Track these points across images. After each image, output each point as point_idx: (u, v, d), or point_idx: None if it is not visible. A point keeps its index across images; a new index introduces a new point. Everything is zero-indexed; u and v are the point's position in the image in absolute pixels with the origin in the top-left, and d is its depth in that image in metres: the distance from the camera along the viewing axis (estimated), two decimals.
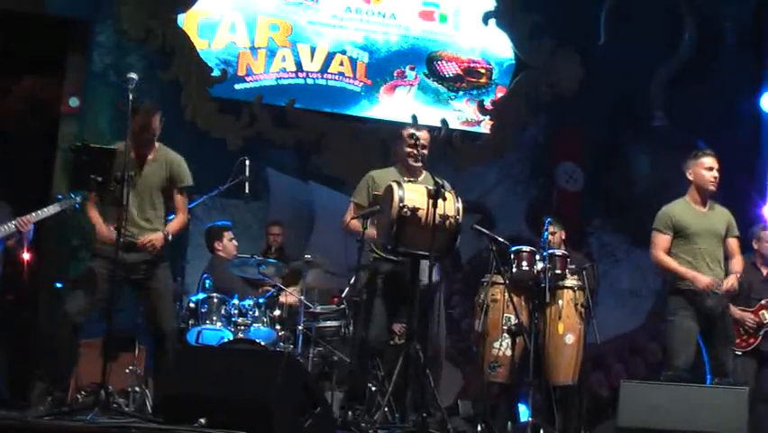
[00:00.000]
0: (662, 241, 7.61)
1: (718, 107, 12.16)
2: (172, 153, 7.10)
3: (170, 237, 6.93)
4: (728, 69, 12.48)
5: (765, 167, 9.95)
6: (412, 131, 7.22)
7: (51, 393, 6.82)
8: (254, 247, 10.40)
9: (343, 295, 8.85)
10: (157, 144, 7.04)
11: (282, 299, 9.01)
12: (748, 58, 12.63)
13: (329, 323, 8.93)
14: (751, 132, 12.36)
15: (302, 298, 8.67)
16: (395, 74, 11.91)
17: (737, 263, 7.67)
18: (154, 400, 7.52)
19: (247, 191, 8.24)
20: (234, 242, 9.47)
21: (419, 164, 7.12)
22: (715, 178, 7.58)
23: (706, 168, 7.58)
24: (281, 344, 8.58)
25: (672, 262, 7.54)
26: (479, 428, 7.76)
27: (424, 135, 7.22)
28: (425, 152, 7.16)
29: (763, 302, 8.46)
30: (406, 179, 6.86)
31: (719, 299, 7.46)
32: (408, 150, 7.16)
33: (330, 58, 11.73)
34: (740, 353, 8.33)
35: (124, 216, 6.49)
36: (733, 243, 7.71)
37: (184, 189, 7.11)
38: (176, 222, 7.05)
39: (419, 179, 7.05)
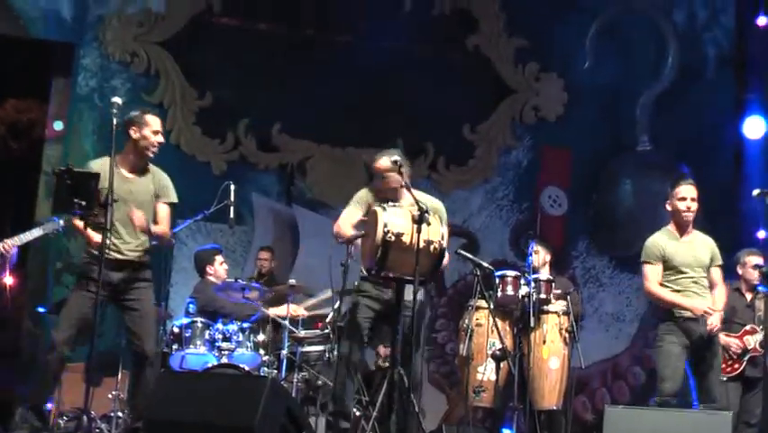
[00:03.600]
0: (653, 273, 7.56)
1: (701, 132, 12.24)
2: (160, 171, 7.13)
3: (152, 231, 6.89)
4: (711, 94, 12.57)
5: (747, 191, 9.97)
6: (375, 164, 7.10)
7: (28, 420, 6.78)
8: (239, 271, 10.40)
9: (328, 319, 8.82)
10: None
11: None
12: (730, 83, 12.71)
13: (313, 348, 8.89)
14: (733, 156, 12.42)
15: (286, 322, 8.64)
16: None
17: (721, 295, 7.67)
18: (132, 422, 7.39)
19: (232, 216, 8.20)
20: (225, 265, 9.47)
21: (389, 195, 7.02)
22: (688, 208, 7.55)
23: (679, 198, 7.57)
24: (265, 368, 8.55)
25: (667, 294, 7.49)
26: None
27: (382, 164, 7.05)
28: (391, 181, 7.04)
29: (747, 328, 8.47)
30: (391, 204, 6.81)
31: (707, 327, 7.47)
32: (376, 182, 7.11)
33: None
34: (725, 378, 8.34)
35: (109, 239, 6.45)
36: (716, 272, 7.69)
37: (169, 205, 7.11)
38: (159, 227, 7.02)
39: (400, 202, 6.99)
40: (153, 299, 7.13)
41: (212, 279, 9.28)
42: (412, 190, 6.80)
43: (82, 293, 6.77)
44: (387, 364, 8.25)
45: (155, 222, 7.02)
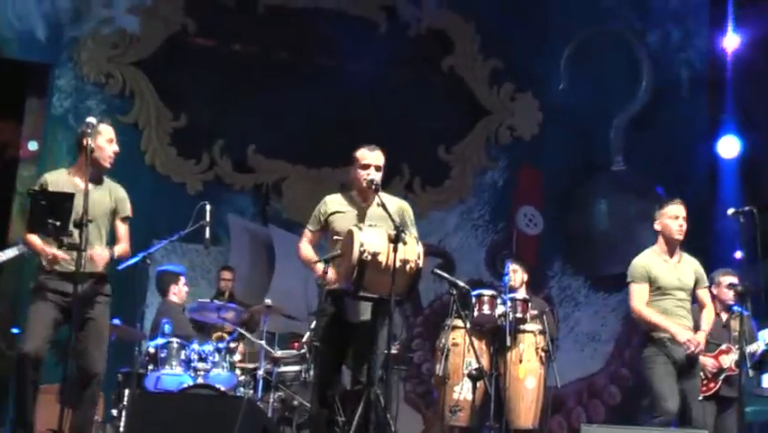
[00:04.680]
0: (641, 292, 7.45)
1: (676, 152, 12.32)
2: (115, 184, 6.96)
3: (114, 257, 6.75)
4: (685, 114, 12.67)
5: (722, 211, 10.05)
6: (364, 151, 7.07)
7: None
8: (215, 292, 10.36)
9: (304, 339, 8.80)
10: None
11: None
12: (704, 104, 12.81)
13: (290, 368, 8.87)
14: (707, 176, 12.50)
15: (262, 342, 8.62)
16: None
17: (709, 315, 7.64)
18: None
19: (207, 236, 8.16)
20: (186, 287, 9.46)
21: (373, 187, 6.98)
22: (681, 226, 7.45)
23: (671, 217, 7.46)
24: (242, 389, 8.52)
25: (653, 315, 7.39)
26: None
27: (376, 156, 7.00)
28: (379, 174, 7.07)
29: (723, 347, 8.47)
30: (368, 223, 6.79)
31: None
32: (361, 172, 7.05)
33: None
34: (701, 397, 8.32)
35: (83, 258, 6.36)
36: (703, 294, 7.64)
37: (126, 220, 6.95)
38: (121, 248, 6.90)
39: (373, 203, 6.98)
40: (109, 314, 6.90)
41: (174, 299, 9.30)
42: (380, 196, 6.80)
43: (42, 302, 6.59)
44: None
45: (116, 239, 6.91)
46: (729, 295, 8.56)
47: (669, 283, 7.43)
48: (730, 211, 7.69)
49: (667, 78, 12.86)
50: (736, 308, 8.55)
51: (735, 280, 8.60)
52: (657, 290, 7.45)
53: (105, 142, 6.76)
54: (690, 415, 7.43)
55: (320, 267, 6.79)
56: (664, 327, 7.36)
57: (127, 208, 6.97)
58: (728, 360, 8.42)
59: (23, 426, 6.66)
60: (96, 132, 6.74)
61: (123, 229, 6.94)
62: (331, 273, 6.73)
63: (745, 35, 12.14)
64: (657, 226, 7.55)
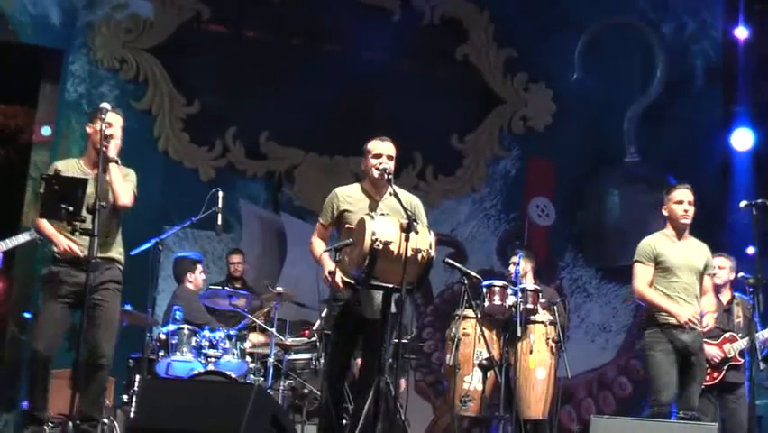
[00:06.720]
0: (644, 273, 7.52)
1: (689, 144, 12.27)
2: (126, 169, 6.91)
3: (116, 164, 6.69)
4: (699, 106, 12.61)
5: (735, 203, 10.00)
6: (376, 141, 7.01)
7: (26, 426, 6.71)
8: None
9: (314, 327, 8.81)
10: None
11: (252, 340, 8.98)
12: (718, 96, 12.76)
13: (300, 355, 8.89)
14: (720, 168, 12.46)
15: (273, 330, 8.63)
16: None
17: (709, 303, 7.64)
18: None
19: (219, 223, 8.16)
20: (203, 275, 9.49)
21: (385, 177, 6.95)
22: (686, 211, 7.51)
23: (676, 201, 7.54)
24: (252, 376, 8.54)
25: (654, 296, 7.45)
26: None
27: (387, 147, 6.96)
28: (391, 163, 7.01)
29: (726, 336, 8.45)
30: (380, 212, 6.77)
31: (696, 335, 7.45)
32: (373, 161, 7.02)
33: None
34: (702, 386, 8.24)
35: (95, 245, 6.36)
36: (707, 280, 7.67)
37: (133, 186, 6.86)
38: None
39: (386, 194, 6.94)
40: (119, 305, 6.94)
41: (190, 286, 9.31)
42: (393, 186, 6.77)
43: (53, 303, 6.67)
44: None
45: None
46: (721, 275, 8.56)
47: (676, 263, 7.48)
48: (743, 203, 7.67)
49: (681, 69, 12.81)
50: (737, 294, 8.58)
51: (723, 261, 8.60)
52: (665, 270, 7.50)
53: (99, 125, 6.71)
54: (691, 403, 7.41)
55: (329, 264, 6.77)
56: (665, 308, 7.41)
57: (134, 180, 6.89)
58: (733, 349, 8.41)
59: (32, 420, 6.71)
60: (95, 117, 6.77)
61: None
62: (338, 277, 6.71)
63: (759, 27, 12.09)
64: (665, 212, 7.66)
